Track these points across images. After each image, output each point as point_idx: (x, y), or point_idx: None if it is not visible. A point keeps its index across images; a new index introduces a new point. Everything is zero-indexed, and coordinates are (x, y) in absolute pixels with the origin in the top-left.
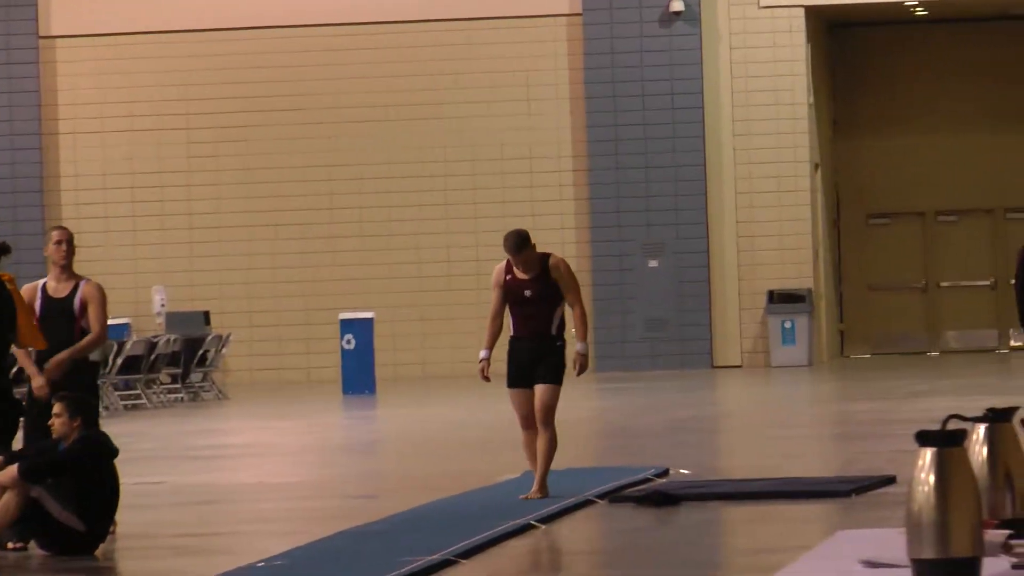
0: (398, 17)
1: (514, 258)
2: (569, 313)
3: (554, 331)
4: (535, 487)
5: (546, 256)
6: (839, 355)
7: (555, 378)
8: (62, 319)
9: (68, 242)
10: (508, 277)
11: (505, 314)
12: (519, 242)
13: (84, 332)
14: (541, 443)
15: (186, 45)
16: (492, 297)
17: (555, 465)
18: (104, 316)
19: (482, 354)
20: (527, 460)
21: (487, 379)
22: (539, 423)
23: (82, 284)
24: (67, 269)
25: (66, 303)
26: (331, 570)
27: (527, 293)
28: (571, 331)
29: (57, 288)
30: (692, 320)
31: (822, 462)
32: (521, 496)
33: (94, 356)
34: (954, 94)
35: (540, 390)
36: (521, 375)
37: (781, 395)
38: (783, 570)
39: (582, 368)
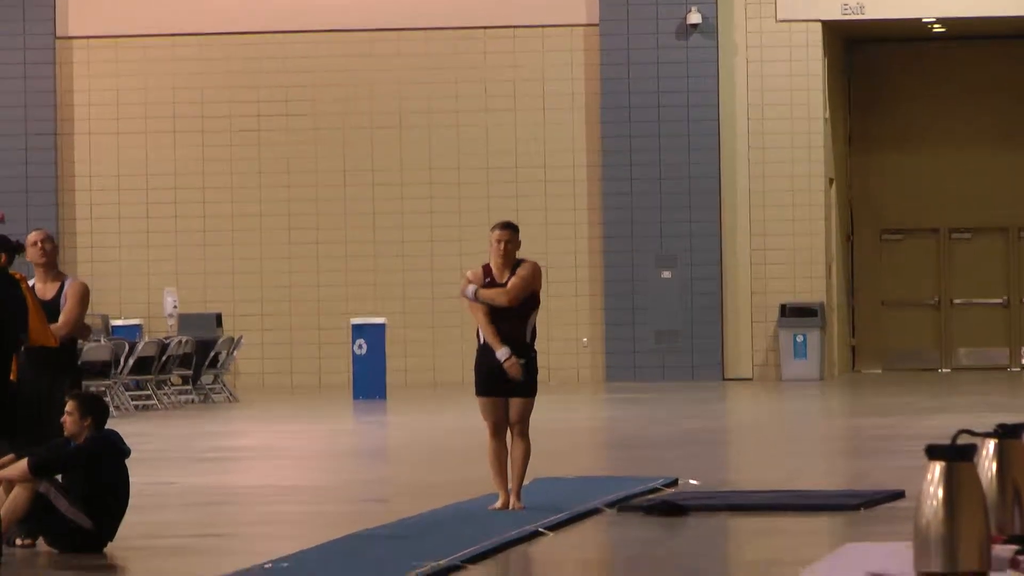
0: (415, 24)
1: (503, 233)
2: (542, 322)
3: (528, 339)
4: (513, 497)
5: (520, 260)
6: (850, 370)
7: (531, 390)
8: (51, 321)
9: (44, 242)
10: (487, 280)
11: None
12: (514, 223)
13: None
14: (517, 453)
15: (202, 47)
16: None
17: (565, 473)
18: (74, 312)
19: (503, 352)
20: (492, 472)
21: (518, 376)
22: (516, 434)
23: (67, 282)
24: (51, 269)
25: (53, 304)
26: (338, 573)
27: None
28: (583, 342)
29: (44, 289)
30: (703, 332)
31: (831, 476)
32: (491, 507)
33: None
34: (970, 111)
35: (517, 403)
36: (491, 384)
37: (791, 409)
38: None
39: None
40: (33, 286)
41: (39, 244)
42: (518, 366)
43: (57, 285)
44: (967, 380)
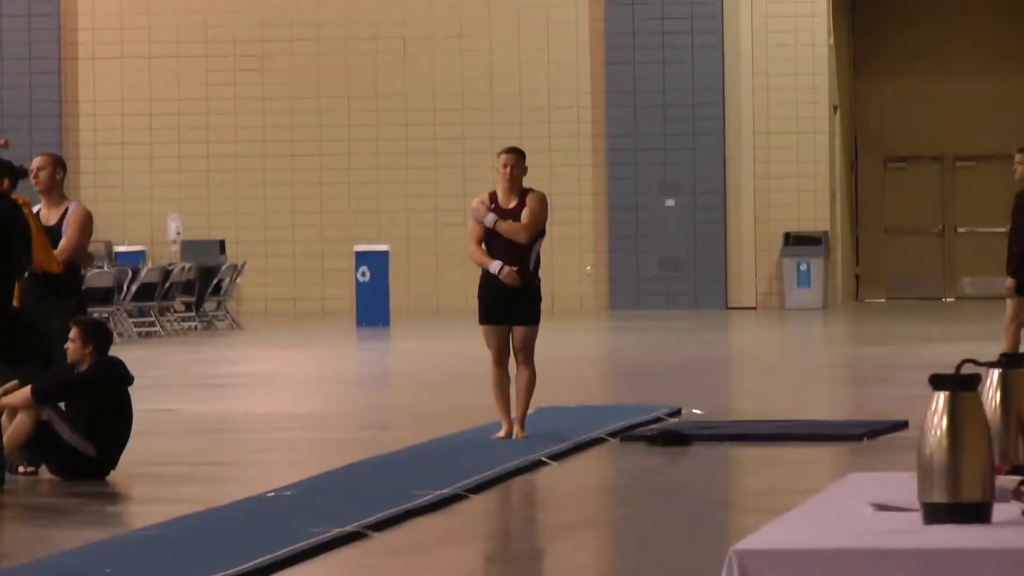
0: None
1: (509, 158)
2: (546, 250)
3: (531, 267)
4: (516, 426)
5: (528, 189)
6: (854, 298)
7: (534, 318)
8: (53, 247)
9: (39, 170)
10: (492, 207)
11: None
12: (520, 149)
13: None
14: (522, 380)
15: None
16: (471, 228)
17: (568, 402)
18: (75, 238)
19: (495, 265)
20: (495, 400)
21: (515, 283)
22: (520, 362)
23: (71, 208)
24: (52, 194)
25: (55, 230)
26: (341, 501)
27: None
28: (587, 270)
29: (48, 215)
30: (707, 260)
31: (834, 405)
32: (495, 436)
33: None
34: (976, 39)
35: (520, 331)
36: (495, 311)
37: (795, 337)
38: (793, 511)
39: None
40: (38, 212)
41: (34, 171)
42: (513, 274)
43: (61, 210)
44: (970, 309)
